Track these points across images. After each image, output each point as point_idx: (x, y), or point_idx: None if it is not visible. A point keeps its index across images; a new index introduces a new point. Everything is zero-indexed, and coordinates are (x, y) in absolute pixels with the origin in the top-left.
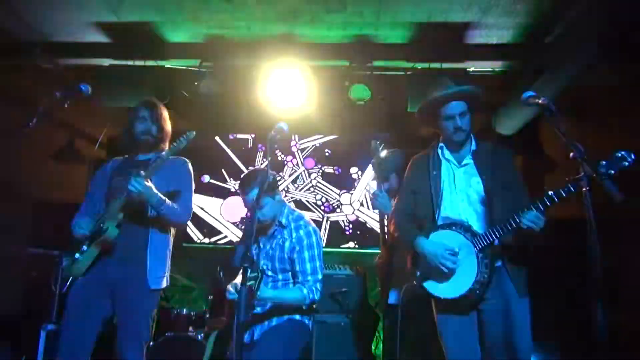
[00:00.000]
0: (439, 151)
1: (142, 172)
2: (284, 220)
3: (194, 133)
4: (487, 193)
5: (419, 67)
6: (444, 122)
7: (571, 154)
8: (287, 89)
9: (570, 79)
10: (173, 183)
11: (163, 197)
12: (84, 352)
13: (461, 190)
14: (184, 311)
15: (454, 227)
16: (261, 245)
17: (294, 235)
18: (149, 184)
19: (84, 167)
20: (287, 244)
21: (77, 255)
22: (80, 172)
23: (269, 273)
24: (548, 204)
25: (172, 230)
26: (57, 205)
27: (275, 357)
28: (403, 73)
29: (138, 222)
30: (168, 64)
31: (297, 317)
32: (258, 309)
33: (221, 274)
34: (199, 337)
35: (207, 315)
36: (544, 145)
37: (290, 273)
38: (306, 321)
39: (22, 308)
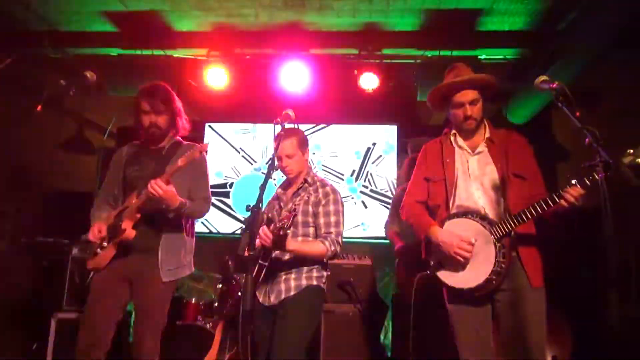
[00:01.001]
0: (452, 138)
1: (143, 191)
2: (309, 179)
3: (207, 145)
4: (501, 181)
5: (429, 55)
6: (454, 109)
7: (586, 140)
8: (295, 77)
9: (584, 66)
10: (189, 171)
11: (185, 200)
12: (105, 337)
13: (475, 179)
14: (193, 300)
15: (470, 215)
16: (282, 206)
17: (320, 190)
18: (171, 187)
19: (93, 156)
20: (312, 198)
21: (97, 250)
22: (90, 162)
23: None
24: (588, 182)
25: (187, 223)
26: (67, 194)
27: (302, 325)
28: (413, 61)
29: (154, 219)
30: (175, 53)
31: (314, 283)
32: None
33: (229, 263)
34: (208, 325)
35: (216, 304)
36: (556, 134)
37: (310, 228)
38: (322, 285)
39: (33, 296)
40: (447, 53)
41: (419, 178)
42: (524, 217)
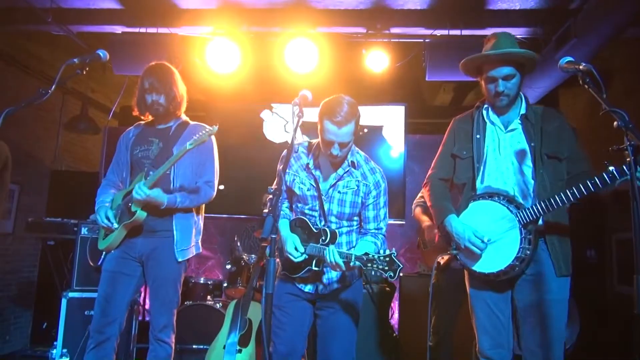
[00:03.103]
0: (484, 112)
1: (151, 172)
2: (355, 160)
3: (217, 127)
4: (534, 161)
5: (438, 35)
6: (486, 83)
7: (615, 123)
8: (302, 56)
9: (597, 46)
10: (196, 154)
11: (174, 196)
12: (119, 317)
13: (506, 157)
14: (201, 280)
15: (496, 198)
16: (321, 188)
17: (369, 178)
18: (154, 190)
19: (98, 136)
20: (361, 187)
21: (108, 232)
22: (95, 141)
23: (333, 220)
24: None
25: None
26: (73, 174)
27: (357, 320)
28: (422, 40)
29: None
30: (180, 32)
31: (358, 275)
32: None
33: (238, 243)
34: (218, 305)
35: (225, 284)
36: (565, 115)
37: (355, 220)
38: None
39: (41, 276)
40: (457, 32)
41: (446, 154)
42: (554, 204)
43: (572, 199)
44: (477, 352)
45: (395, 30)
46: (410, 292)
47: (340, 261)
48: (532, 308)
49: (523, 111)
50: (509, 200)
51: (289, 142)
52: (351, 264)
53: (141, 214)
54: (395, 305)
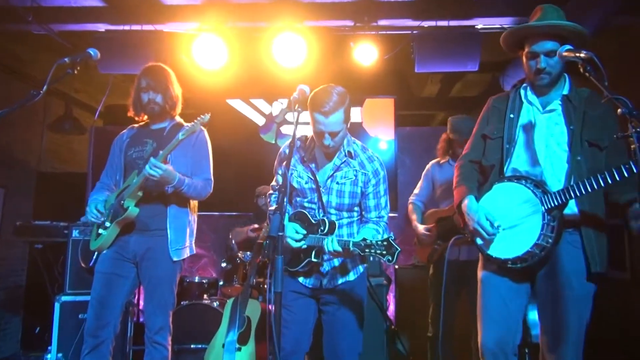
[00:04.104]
0: (522, 92)
1: (160, 152)
2: (352, 149)
3: (209, 115)
4: (571, 146)
5: (426, 26)
6: (527, 59)
7: (619, 110)
8: (290, 51)
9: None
10: (190, 152)
11: (183, 177)
12: (113, 319)
13: (540, 139)
14: (196, 279)
15: (523, 181)
16: (318, 179)
17: (368, 166)
18: (168, 166)
19: (84, 136)
20: (360, 177)
21: (100, 231)
22: (81, 142)
23: (332, 212)
24: None
25: (191, 202)
26: (60, 175)
27: (362, 314)
28: (410, 32)
29: (157, 197)
30: (166, 28)
31: (361, 268)
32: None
33: (233, 241)
34: (215, 304)
35: (221, 283)
36: None
37: (355, 211)
38: (366, 266)
39: (32, 281)
40: (444, 23)
41: (477, 135)
42: (583, 189)
43: (602, 185)
44: (479, 347)
45: (382, 22)
46: (405, 284)
47: (338, 248)
48: (553, 303)
49: (565, 92)
50: (537, 184)
51: (291, 136)
52: (350, 249)
53: (133, 210)
54: (390, 297)
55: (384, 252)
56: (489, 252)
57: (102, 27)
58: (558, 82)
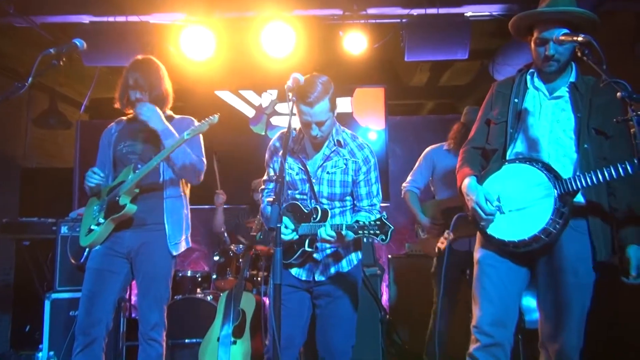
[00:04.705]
0: (528, 77)
1: (139, 165)
2: (341, 138)
3: (218, 116)
4: (578, 133)
5: (415, 14)
6: (535, 45)
7: (618, 94)
8: (279, 41)
9: None
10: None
11: (172, 129)
12: (106, 316)
13: (545, 125)
14: (189, 273)
15: (534, 163)
16: (309, 170)
17: (358, 154)
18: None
19: (70, 130)
20: (350, 165)
21: (92, 226)
22: (67, 136)
23: (324, 201)
24: None
25: (186, 195)
26: (46, 171)
27: (355, 305)
28: (399, 21)
29: (153, 191)
30: (152, 19)
31: (360, 256)
32: (317, 255)
33: (225, 234)
34: (209, 298)
35: (214, 276)
36: None
37: (348, 200)
38: (360, 259)
39: (21, 279)
40: (434, 11)
41: (481, 120)
42: (601, 177)
43: (622, 174)
44: (473, 328)
45: (372, 11)
46: (399, 273)
47: (332, 233)
48: (556, 290)
49: (572, 79)
50: (547, 168)
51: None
52: (343, 232)
53: (131, 207)
54: (384, 286)
55: (377, 232)
56: (492, 232)
57: (86, 19)
58: (565, 69)
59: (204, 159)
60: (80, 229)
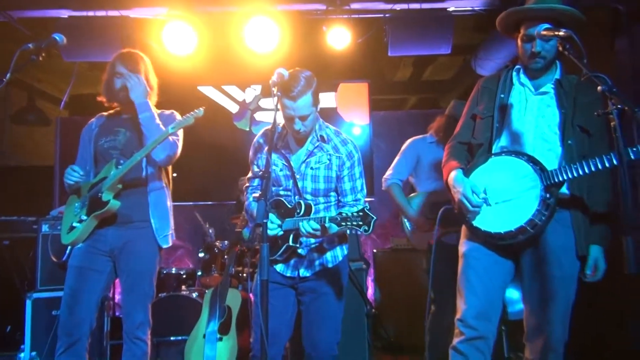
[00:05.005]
0: (514, 74)
1: (121, 161)
2: (325, 134)
3: (203, 110)
4: (562, 128)
5: (398, 9)
6: (522, 42)
7: (599, 88)
8: (262, 36)
9: None
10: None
11: (151, 105)
12: (89, 316)
13: (530, 120)
14: (173, 270)
15: (520, 156)
16: (293, 167)
17: (341, 150)
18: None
19: (49, 127)
20: (334, 160)
21: (74, 223)
22: (46, 133)
23: (308, 197)
24: None
25: (168, 187)
26: (25, 169)
27: (341, 302)
28: (382, 15)
29: (136, 186)
30: (132, 14)
31: (345, 252)
32: (301, 251)
33: (210, 231)
34: (194, 295)
35: (200, 273)
36: None
37: (332, 195)
38: (345, 254)
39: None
40: (417, 6)
41: (467, 116)
42: (586, 168)
43: (607, 166)
44: (457, 321)
45: (355, 5)
46: (384, 268)
47: (316, 226)
48: (541, 283)
49: (558, 76)
50: (533, 161)
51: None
52: (326, 225)
53: (114, 203)
54: (369, 280)
55: (360, 223)
56: (478, 224)
57: (65, 14)
58: (551, 67)
59: (179, 142)
60: (61, 227)
